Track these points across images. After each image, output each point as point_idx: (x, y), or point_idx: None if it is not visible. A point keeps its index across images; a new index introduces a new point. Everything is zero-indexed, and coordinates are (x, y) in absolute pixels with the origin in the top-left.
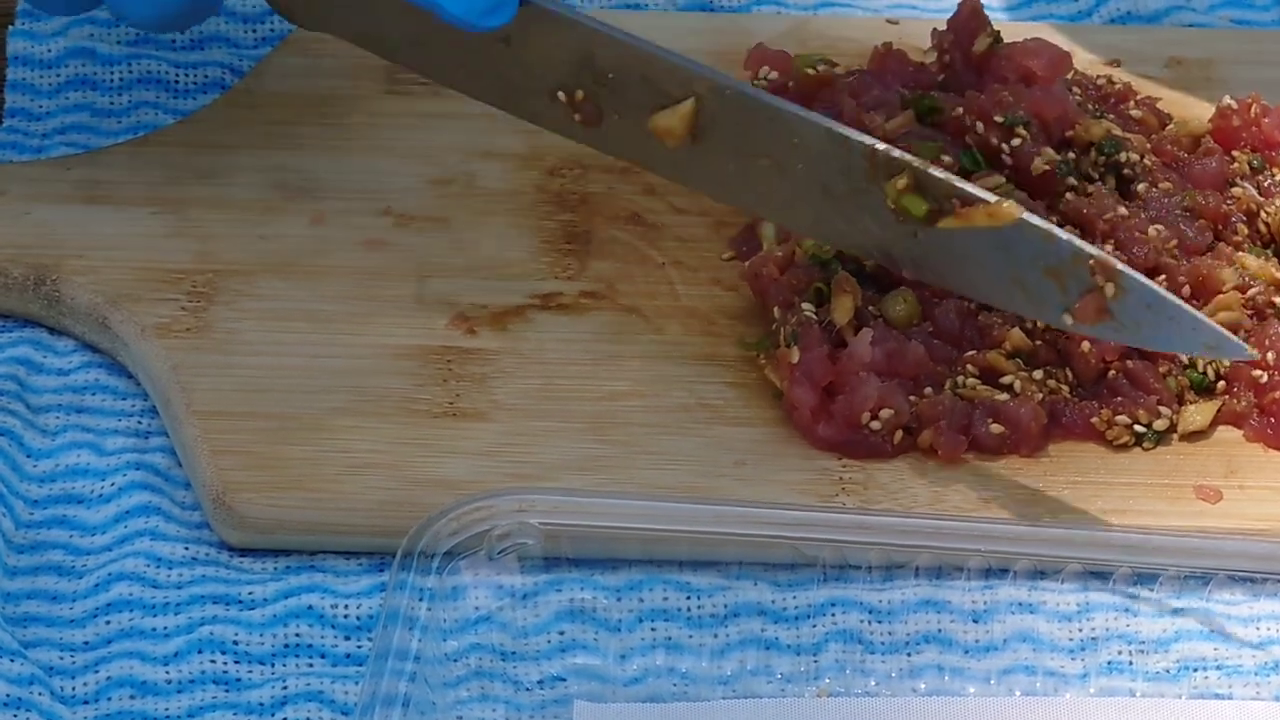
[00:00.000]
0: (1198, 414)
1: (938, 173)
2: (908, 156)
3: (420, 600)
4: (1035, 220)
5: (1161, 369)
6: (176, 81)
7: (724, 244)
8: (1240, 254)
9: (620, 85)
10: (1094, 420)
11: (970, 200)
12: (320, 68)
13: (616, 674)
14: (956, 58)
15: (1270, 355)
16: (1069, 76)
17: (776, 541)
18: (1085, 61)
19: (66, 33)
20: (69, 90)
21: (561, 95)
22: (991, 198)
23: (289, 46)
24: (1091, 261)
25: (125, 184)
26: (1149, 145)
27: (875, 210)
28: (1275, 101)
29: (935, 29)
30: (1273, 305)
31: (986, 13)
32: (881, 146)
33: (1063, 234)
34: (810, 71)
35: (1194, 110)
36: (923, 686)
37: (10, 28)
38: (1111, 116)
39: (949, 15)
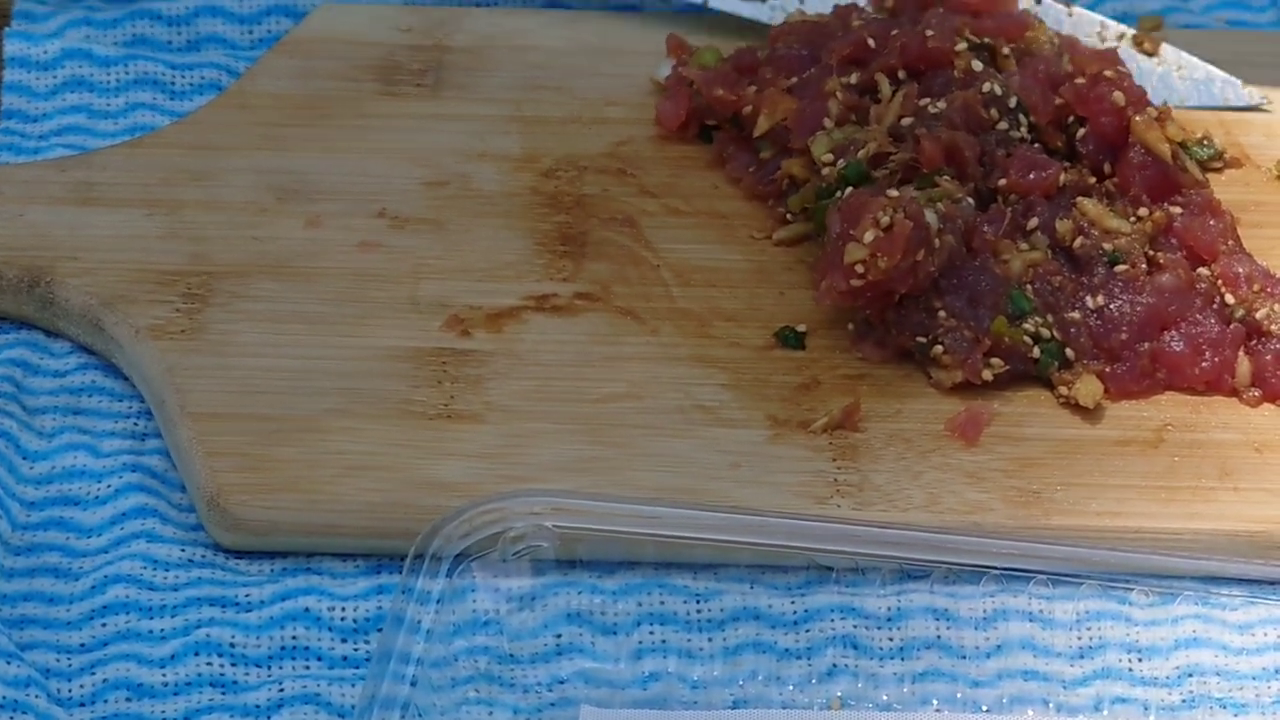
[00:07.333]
0: (1087, 385)
1: None
2: None
3: (426, 603)
4: None
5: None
6: (172, 83)
7: (718, 245)
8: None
9: None
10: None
11: None
12: (315, 70)
13: (620, 678)
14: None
15: (1101, 298)
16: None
17: (795, 550)
18: None
19: (63, 34)
20: (65, 92)
21: None
22: None
23: (284, 48)
24: None
25: (120, 185)
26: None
27: None
28: (1274, 104)
29: None
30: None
31: None
32: None
33: None
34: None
35: (1188, 115)
36: (934, 704)
37: (6, 29)
38: None
39: None
